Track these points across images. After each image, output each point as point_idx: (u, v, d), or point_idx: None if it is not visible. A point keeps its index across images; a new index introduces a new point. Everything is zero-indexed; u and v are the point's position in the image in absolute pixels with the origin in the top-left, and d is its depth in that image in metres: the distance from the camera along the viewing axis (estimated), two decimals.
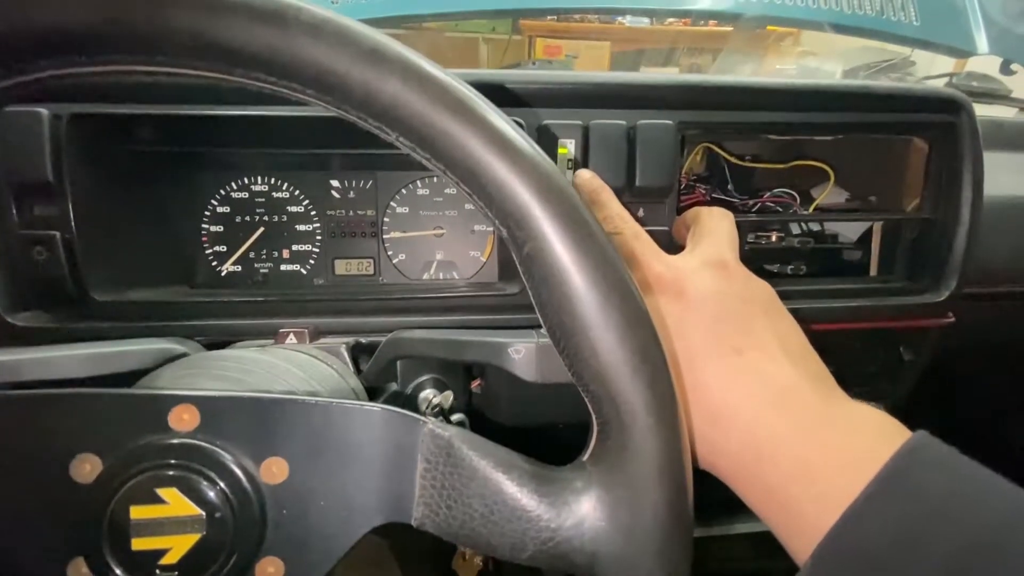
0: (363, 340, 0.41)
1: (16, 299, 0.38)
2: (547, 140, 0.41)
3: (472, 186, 0.20)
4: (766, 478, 0.27)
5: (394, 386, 0.41)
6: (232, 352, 0.30)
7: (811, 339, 0.32)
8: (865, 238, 0.54)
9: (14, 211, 0.37)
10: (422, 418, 0.23)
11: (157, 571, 0.21)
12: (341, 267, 0.52)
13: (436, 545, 0.58)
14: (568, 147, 0.41)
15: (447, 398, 0.39)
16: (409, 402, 0.41)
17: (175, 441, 0.22)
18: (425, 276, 0.53)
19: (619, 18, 2.17)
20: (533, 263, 0.20)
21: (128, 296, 0.40)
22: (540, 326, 0.36)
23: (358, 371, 0.38)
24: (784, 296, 0.33)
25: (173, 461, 0.22)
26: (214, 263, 0.50)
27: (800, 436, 0.27)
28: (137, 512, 0.21)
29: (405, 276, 0.53)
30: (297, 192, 0.51)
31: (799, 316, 0.32)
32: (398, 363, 0.41)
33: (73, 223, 0.37)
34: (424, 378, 0.42)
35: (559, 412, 0.45)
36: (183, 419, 0.22)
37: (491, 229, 0.53)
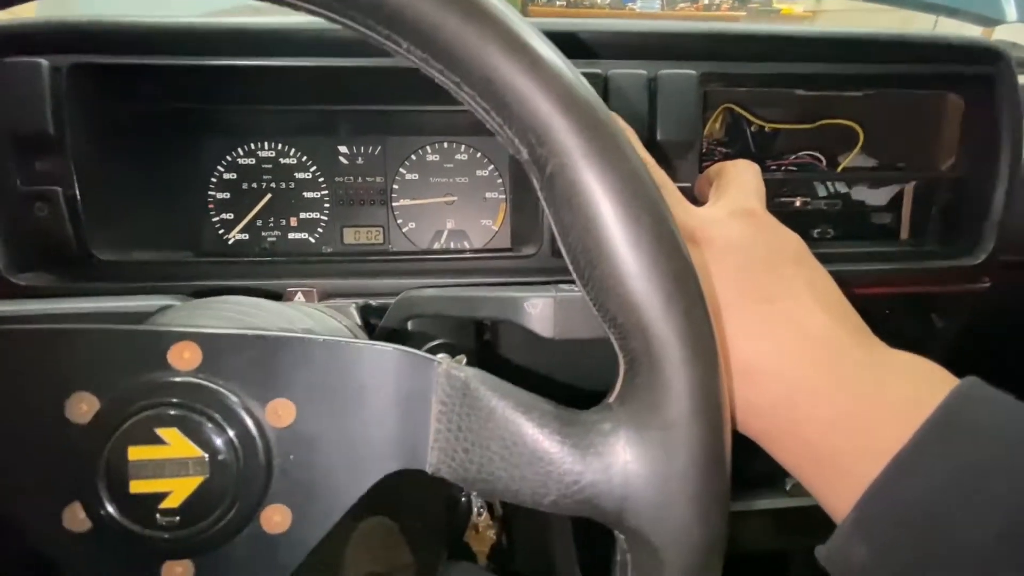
0: (373, 302, 0.39)
1: (18, 258, 0.37)
2: None
3: (489, 99, 0.19)
4: (803, 432, 0.25)
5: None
6: (237, 296, 0.29)
7: None
8: (895, 202, 0.51)
9: (14, 165, 0.36)
10: (436, 358, 0.22)
11: (158, 515, 0.20)
12: (350, 236, 0.51)
13: (448, 521, 0.57)
14: None
15: (460, 361, 0.38)
16: None
17: (176, 379, 0.21)
18: (435, 245, 0.51)
19: (629, 3, 2.13)
20: (555, 183, 0.19)
21: (132, 257, 0.39)
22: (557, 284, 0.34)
23: (369, 332, 0.37)
24: None
25: (174, 400, 0.20)
26: (220, 231, 0.49)
27: (839, 386, 0.25)
28: (136, 453, 0.20)
29: (415, 245, 0.51)
30: (304, 158, 0.50)
31: None
32: (409, 325, 0.40)
33: (75, 179, 0.36)
34: (436, 343, 0.41)
35: (577, 377, 0.43)
36: (184, 357, 0.21)
37: (503, 196, 0.51)
